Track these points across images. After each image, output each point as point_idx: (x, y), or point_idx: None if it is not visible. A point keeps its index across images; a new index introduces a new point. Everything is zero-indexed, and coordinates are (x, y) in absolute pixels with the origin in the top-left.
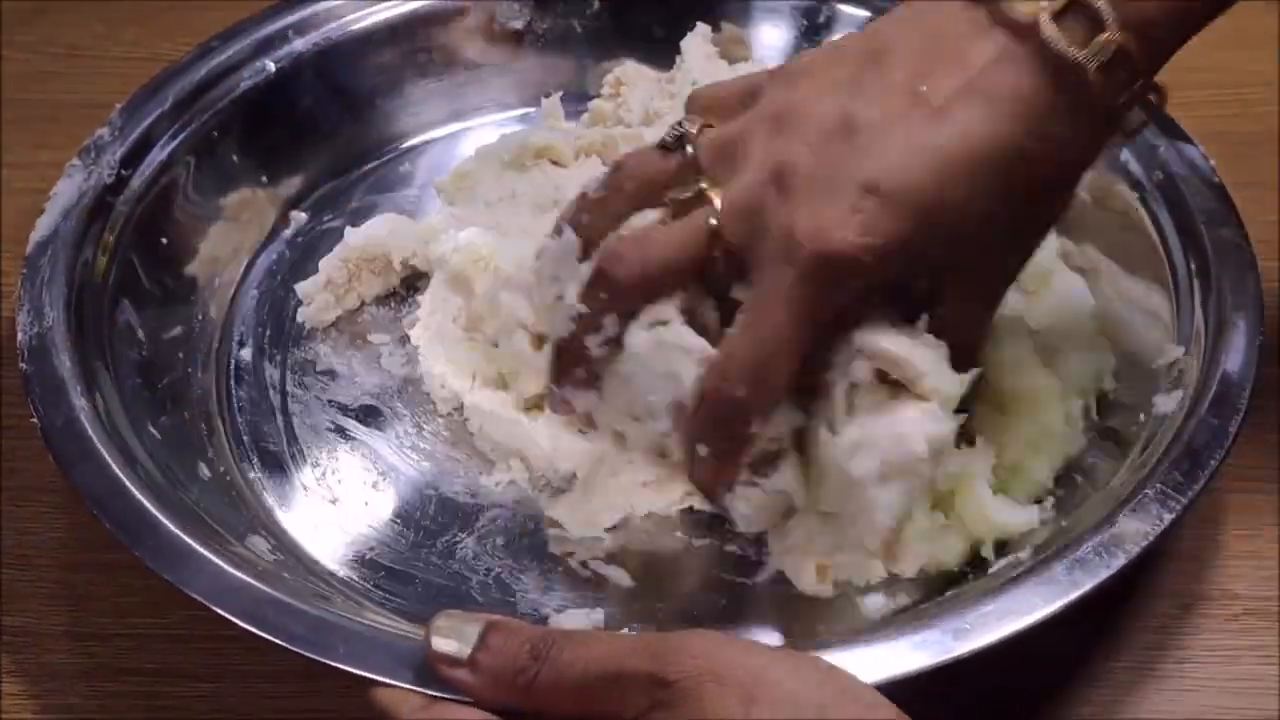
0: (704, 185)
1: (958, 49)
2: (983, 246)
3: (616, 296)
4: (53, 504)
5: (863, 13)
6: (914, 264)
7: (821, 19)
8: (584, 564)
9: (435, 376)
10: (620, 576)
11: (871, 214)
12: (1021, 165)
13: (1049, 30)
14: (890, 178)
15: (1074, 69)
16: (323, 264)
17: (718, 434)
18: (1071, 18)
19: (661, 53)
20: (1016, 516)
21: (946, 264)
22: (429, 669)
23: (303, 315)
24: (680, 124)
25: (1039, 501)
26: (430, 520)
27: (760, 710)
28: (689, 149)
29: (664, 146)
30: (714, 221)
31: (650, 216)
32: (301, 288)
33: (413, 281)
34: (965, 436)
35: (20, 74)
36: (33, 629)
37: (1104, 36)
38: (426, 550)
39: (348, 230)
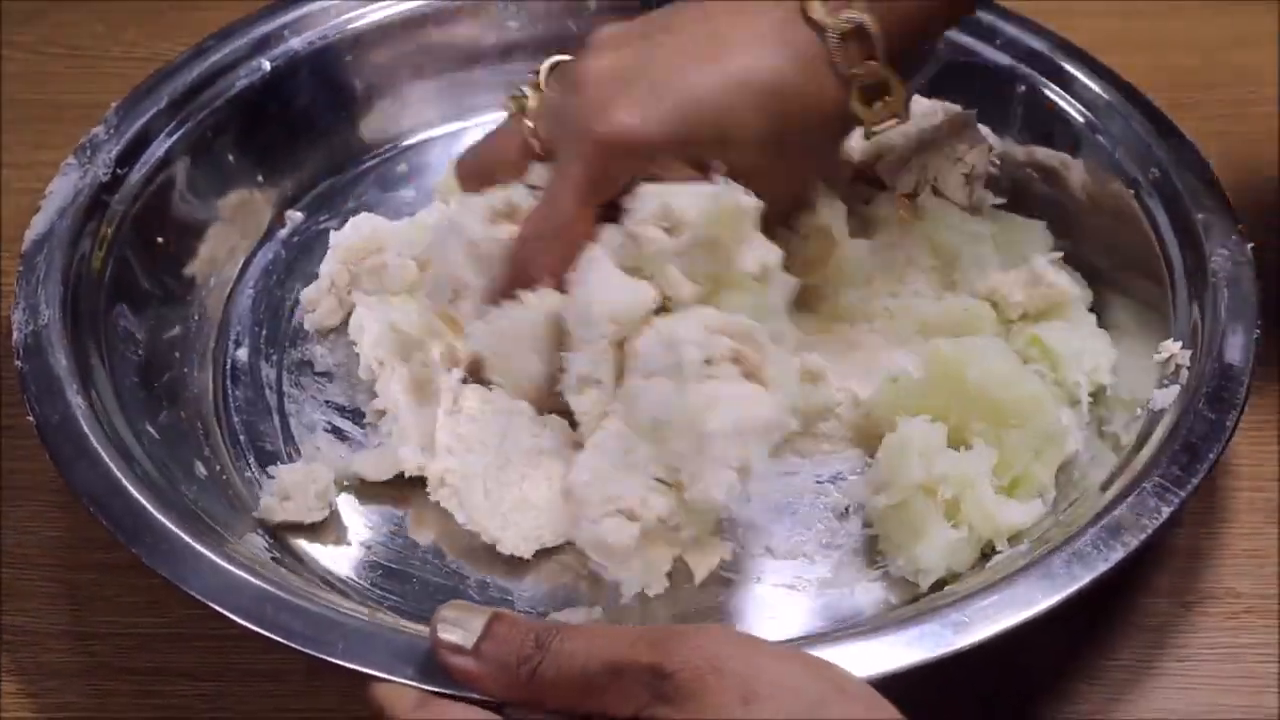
0: (525, 91)
1: (753, 12)
2: (758, 165)
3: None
4: (53, 503)
5: None
6: (685, 158)
7: None
8: (582, 562)
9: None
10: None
11: (652, 106)
12: (781, 100)
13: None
14: (676, 82)
15: (821, 30)
16: (322, 269)
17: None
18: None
19: None
20: (1022, 514)
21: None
22: (433, 656)
23: (309, 323)
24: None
25: (1041, 495)
26: (429, 519)
27: (759, 705)
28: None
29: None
30: (529, 124)
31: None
32: (305, 294)
33: None
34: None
35: (20, 74)
36: (33, 628)
37: (847, 12)
38: (423, 549)
39: (332, 234)
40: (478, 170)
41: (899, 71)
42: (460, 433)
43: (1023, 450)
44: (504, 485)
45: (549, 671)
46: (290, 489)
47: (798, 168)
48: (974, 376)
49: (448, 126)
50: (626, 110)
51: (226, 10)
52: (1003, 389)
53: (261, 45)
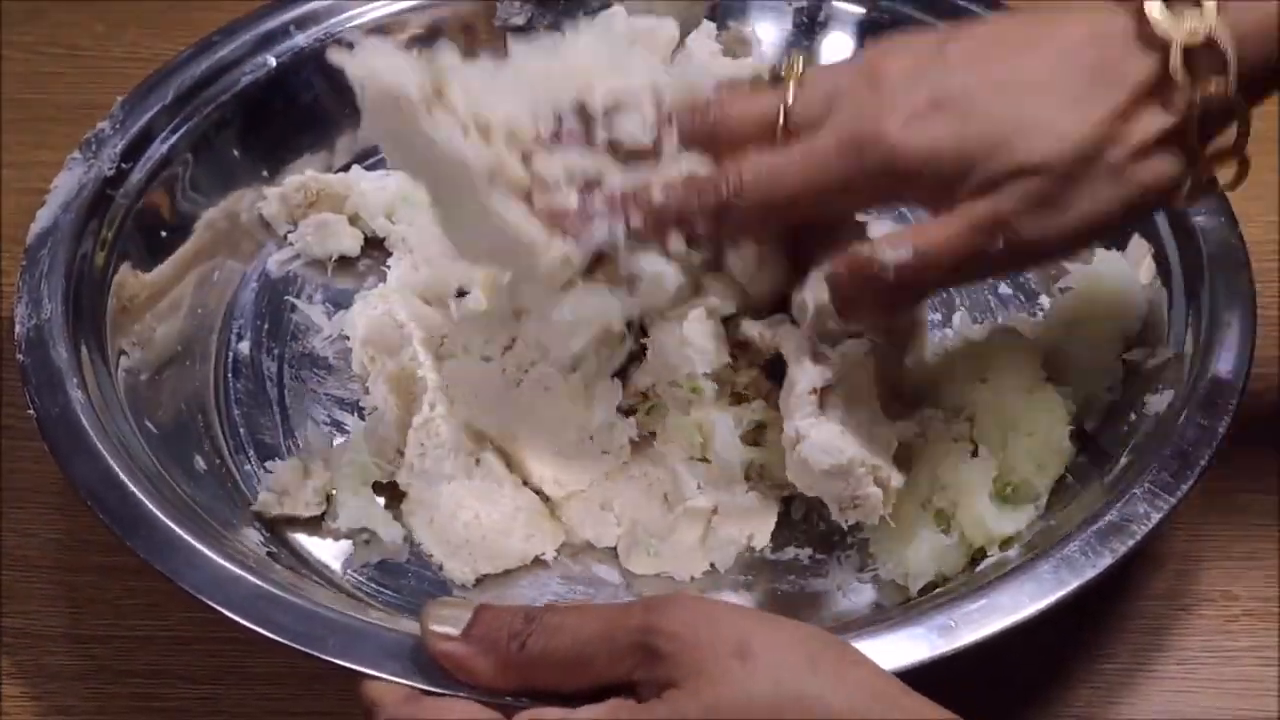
0: (784, 75)
1: (1057, 20)
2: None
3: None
4: (53, 506)
5: (859, 9)
6: (948, 182)
7: (821, 17)
8: (575, 559)
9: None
10: (610, 574)
11: (926, 121)
12: (1076, 124)
13: (1150, 6)
14: (954, 96)
15: (1159, 43)
16: (288, 180)
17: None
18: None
19: None
20: (1014, 522)
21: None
22: (423, 649)
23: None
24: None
25: (1034, 502)
26: None
27: (754, 660)
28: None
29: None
30: (788, 99)
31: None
32: (268, 191)
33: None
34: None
35: (20, 74)
36: (33, 631)
37: (1196, 21)
38: (420, 545)
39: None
40: (712, 132)
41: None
42: (425, 444)
43: (1027, 461)
44: (451, 511)
45: (539, 645)
46: (288, 484)
47: (1085, 216)
48: (997, 377)
49: None
50: (900, 117)
51: (226, 10)
52: (1017, 397)
53: (266, 41)
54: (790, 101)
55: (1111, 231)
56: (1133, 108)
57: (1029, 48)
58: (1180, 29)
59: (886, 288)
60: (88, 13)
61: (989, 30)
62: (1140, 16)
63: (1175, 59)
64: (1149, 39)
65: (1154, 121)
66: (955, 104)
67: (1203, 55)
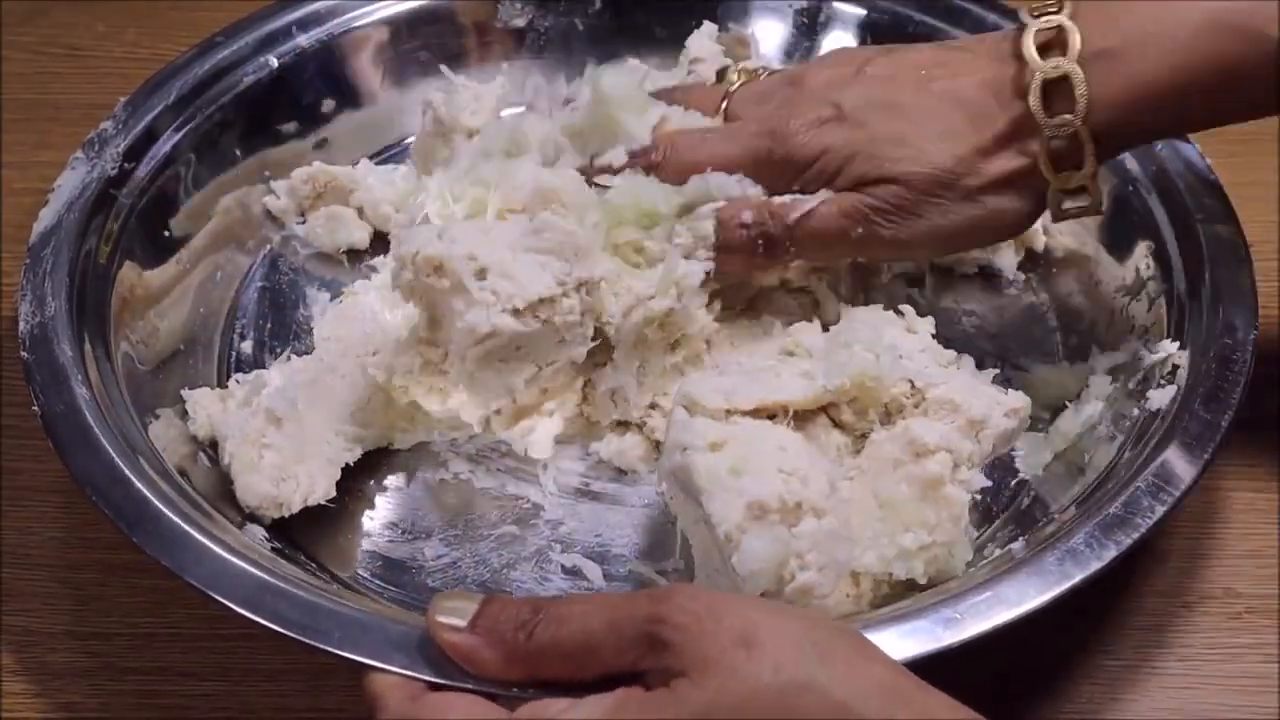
0: (737, 75)
1: (961, 59)
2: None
3: None
4: (54, 504)
5: (859, 10)
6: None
7: (821, 18)
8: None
9: None
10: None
11: (825, 127)
12: (941, 153)
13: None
14: (853, 109)
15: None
16: (295, 171)
17: None
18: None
19: (663, 51)
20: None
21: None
22: (430, 640)
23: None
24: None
25: None
26: (427, 512)
27: (760, 650)
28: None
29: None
30: (731, 90)
31: None
32: (275, 184)
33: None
34: None
35: (20, 74)
36: (35, 628)
37: (1059, 60)
38: (422, 541)
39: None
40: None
41: (1102, 148)
42: None
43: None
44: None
45: (546, 635)
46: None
47: (934, 227)
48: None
49: None
50: (806, 122)
51: (227, 10)
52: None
53: (268, 42)
54: (732, 90)
55: (959, 243)
56: (993, 148)
57: (929, 82)
58: (1044, 65)
59: (762, 241)
60: (88, 13)
61: (905, 61)
62: (1021, 64)
63: (1034, 87)
64: (1020, 90)
65: (1008, 162)
66: (852, 116)
67: (1058, 89)
